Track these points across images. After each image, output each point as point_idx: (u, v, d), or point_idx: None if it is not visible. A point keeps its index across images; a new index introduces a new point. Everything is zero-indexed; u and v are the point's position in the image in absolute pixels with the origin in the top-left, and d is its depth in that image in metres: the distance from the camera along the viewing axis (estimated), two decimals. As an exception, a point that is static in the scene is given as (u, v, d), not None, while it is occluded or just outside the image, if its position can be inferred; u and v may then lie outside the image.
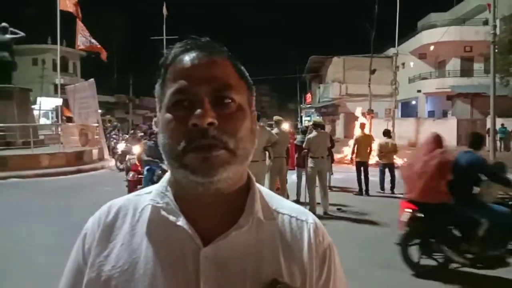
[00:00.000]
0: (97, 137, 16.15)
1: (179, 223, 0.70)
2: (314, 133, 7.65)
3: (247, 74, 0.76)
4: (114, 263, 0.72)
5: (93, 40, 16.08)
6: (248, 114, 0.73)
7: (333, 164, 9.51)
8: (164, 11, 27.18)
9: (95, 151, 15.49)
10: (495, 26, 12.51)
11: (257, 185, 0.79)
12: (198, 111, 0.66)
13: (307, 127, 10.37)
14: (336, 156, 13.30)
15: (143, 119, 46.82)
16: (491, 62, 12.98)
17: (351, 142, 11.66)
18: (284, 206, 0.81)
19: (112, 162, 15.45)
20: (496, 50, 13.23)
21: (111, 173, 13.59)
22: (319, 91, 42.73)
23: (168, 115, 0.70)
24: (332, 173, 8.29)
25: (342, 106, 34.75)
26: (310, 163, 7.55)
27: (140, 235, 0.73)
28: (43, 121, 29.42)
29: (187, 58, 0.71)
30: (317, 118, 9.80)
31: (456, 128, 26.00)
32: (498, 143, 18.17)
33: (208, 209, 0.72)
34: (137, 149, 9.85)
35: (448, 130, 25.99)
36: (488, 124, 20.09)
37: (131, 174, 8.56)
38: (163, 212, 0.72)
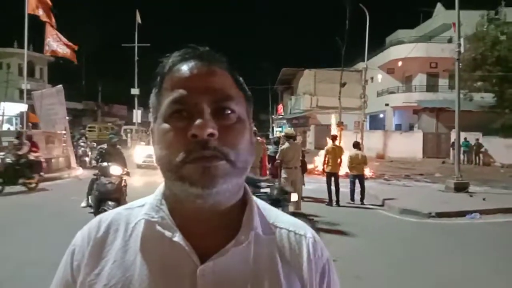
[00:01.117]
0: (64, 144, 15.68)
1: (175, 239, 0.67)
2: (286, 144, 7.74)
3: (245, 86, 0.74)
4: (106, 282, 0.68)
5: (62, 46, 15.67)
6: (248, 126, 0.71)
7: (304, 175, 9.60)
8: (138, 19, 26.90)
9: (61, 159, 15.02)
10: (459, 45, 13.05)
11: (253, 198, 0.77)
12: (198, 121, 0.64)
13: (279, 137, 10.46)
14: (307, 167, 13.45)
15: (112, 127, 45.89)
16: (455, 79, 13.50)
17: (322, 152, 11.84)
18: (282, 220, 0.78)
19: (79, 171, 15.03)
20: (460, 67, 13.78)
21: (78, 182, 13.21)
22: (290, 103, 43.21)
23: (166, 125, 0.67)
24: (304, 184, 8.39)
25: (312, 118, 35.23)
26: (283, 173, 7.61)
27: (134, 252, 0.70)
28: (6, 127, 28.37)
29: (186, 67, 0.68)
30: (288, 130, 9.90)
31: (422, 141, 26.87)
32: (461, 156, 18.82)
33: (205, 224, 0.69)
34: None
35: (414, 143, 26.87)
36: (452, 138, 20.86)
37: None
38: (158, 227, 0.69)
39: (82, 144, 17.62)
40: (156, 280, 0.67)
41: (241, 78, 0.74)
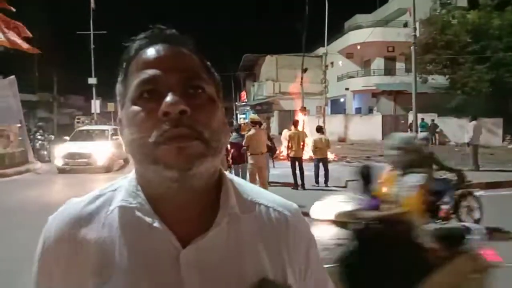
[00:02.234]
0: (20, 138, 15.03)
1: (155, 224, 0.65)
2: (252, 131, 7.79)
3: (213, 69, 0.73)
4: (87, 279, 0.65)
5: (13, 37, 14.83)
6: (219, 106, 0.69)
7: (273, 159, 9.70)
8: (92, 4, 25.84)
9: (18, 154, 14.41)
10: (415, 29, 13.51)
11: (230, 176, 0.75)
12: (169, 98, 0.61)
13: (240, 125, 10.51)
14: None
15: (69, 118, 44.29)
16: (412, 62, 14.00)
17: (283, 138, 11.99)
18: (261, 196, 0.76)
19: (37, 165, 14.49)
20: (416, 50, 14.32)
21: (37, 176, 12.75)
22: (253, 89, 43.21)
23: (135, 107, 0.64)
24: (274, 166, 8.49)
25: (276, 104, 35.47)
26: (250, 159, 7.67)
27: (112, 240, 0.66)
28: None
29: (153, 49, 0.66)
30: (253, 116, 9.94)
31: (381, 124, 27.72)
32: (418, 137, 19.60)
33: (182, 208, 0.67)
34: None
35: (374, 125, 27.66)
36: (410, 119, 21.66)
37: None
38: (138, 213, 0.66)
39: (39, 137, 16.98)
40: (139, 268, 0.64)
41: (208, 62, 0.72)
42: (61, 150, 13.45)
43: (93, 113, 30.65)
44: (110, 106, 32.22)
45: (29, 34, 14.34)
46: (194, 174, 0.62)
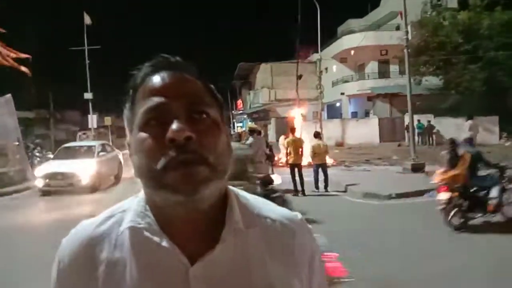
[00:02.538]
0: (18, 156, 15.02)
1: (164, 243, 0.67)
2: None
3: (217, 93, 0.76)
4: None
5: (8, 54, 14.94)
6: (224, 129, 0.72)
7: (273, 166, 9.73)
8: (86, 20, 25.94)
9: (15, 172, 14.37)
10: (407, 32, 13.63)
11: (236, 191, 0.78)
12: (175, 125, 0.64)
13: (239, 133, 10.55)
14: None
15: (66, 134, 44.23)
16: (406, 64, 14.12)
17: (280, 145, 12.03)
18: (267, 209, 0.79)
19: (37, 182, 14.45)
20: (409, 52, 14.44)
21: (37, 194, 12.71)
22: (249, 97, 43.32)
23: (142, 134, 0.67)
24: (273, 173, 8.57)
25: (272, 111, 35.55)
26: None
27: (123, 261, 0.69)
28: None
29: (158, 76, 0.69)
30: (251, 124, 10.00)
31: (378, 126, 27.82)
32: (416, 138, 19.66)
33: (190, 227, 0.69)
34: None
35: (370, 128, 27.74)
36: (406, 121, 21.76)
37: None
38: (146, 233, 0.69)
39: (37, 154, 16.98)
40: (149, 285, 0.67)
41: (212, 86, 0.75)
42: (42, 169, 12.26)
43: (89, 128, 30.64)
44: (107, 120, 32.28)
45: (22, 55, 14.45)
46: (200, 198, 0.65)
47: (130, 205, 0.75)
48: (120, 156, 14.97)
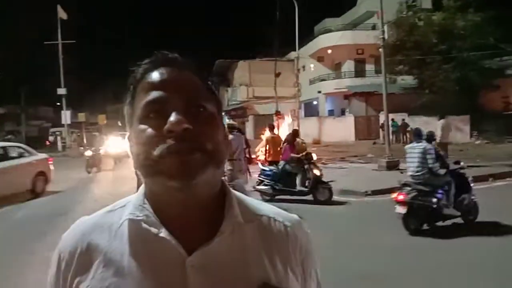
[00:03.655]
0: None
1: (161, 234, 0.69)
2: (231, 136, 7.80)
3: (215, 89, 0.78)
4: (99, 285, 0.69)
5: None
6: (221, 123, 0.74)
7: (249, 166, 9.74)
8: (61, 14, 25.29)
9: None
10: (383, 31, 13.85)
11: (231, 190, 0.79)
12: (173, 117, 0.66)
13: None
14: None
15: (38, 130, 43.10)
16: (382, 64, 14.35)
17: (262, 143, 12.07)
18: (262, 208, 0.82)
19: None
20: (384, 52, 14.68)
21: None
22: (227, 95, 43.20)
23: (142, 126, 0.69)
24: (250, 174, 8.60)
25: (250, 109, 35.59)
26: (228, 165, 7.67)
27: (122, 252, 0.71)
28: None
29: (158, 72, 0.71)
30: (230, 121, 9.99)
31: (354, 125, 28.26)
32: (390, 136, 20.05)
33: (188, 218, 0.71)
34: None
35: (346, 126, 28.15)
36: (381, 120, 22.14)
37: None
38: (144, 225, 0.70)
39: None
40: (147, 277, 0.68)
41: (210, 82, 0.76)
42: None
43: (63, 124, 29.95)
44: (81, 116, 31.58)
45: None
46: (196, 183, 0.66)
47: (129, 200, 0.77)
48: (47, 164, 11.57)
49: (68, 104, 29.93)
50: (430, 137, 7.03)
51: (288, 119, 17.22)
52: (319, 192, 8.92)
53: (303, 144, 10.84)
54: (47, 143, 35.73)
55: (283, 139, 11.50)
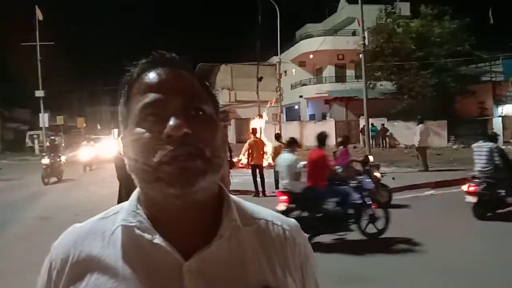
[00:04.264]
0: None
1: (156, 240, 0.67)
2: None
3: (212, 90, 0.76)
4: None
5: None
6: (219, 126, 0.72)
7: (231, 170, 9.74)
8: (38, 15, 24.83)
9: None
10: (364, 37, 14.10)
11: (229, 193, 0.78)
12: (172, 121, 0.64)
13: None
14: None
15: (14, 133, 42.04)
16: (362, 70, 14.60)
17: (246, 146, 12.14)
18: (260, 212, 0.80)
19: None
20: (364, 58, 14.93)
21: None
22: (208, 98, 43.09)
23: (139, 129, 0.67)
24: (231, 179, 8.59)
25: (232, 112, 35.57)
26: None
27: (115, 259, 0.69)
28: None
29: (155, 72, 0.69)
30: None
31: (334, 129, 28.54)
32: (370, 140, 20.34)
33: (184, 223, 0.69)
34: None
35: (327, 131, 28.18)
36: (361, 124, 22.45)
37: None
38: (138, 231, 0.68)
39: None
40: (142, 283, 0.66)
41: (207, 83, 0.75)
42: None
43: (41, 127, 29.34)
44: (60, 119, 31.02)
45: None
46: (196, 191, 0.64)
47: (122, 207, 0.75)
48: None
49: (46, 106, 29.37)
50: (494, 137, 7.77)
51: (261, 121, 17.23)
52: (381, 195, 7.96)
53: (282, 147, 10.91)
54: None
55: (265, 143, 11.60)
